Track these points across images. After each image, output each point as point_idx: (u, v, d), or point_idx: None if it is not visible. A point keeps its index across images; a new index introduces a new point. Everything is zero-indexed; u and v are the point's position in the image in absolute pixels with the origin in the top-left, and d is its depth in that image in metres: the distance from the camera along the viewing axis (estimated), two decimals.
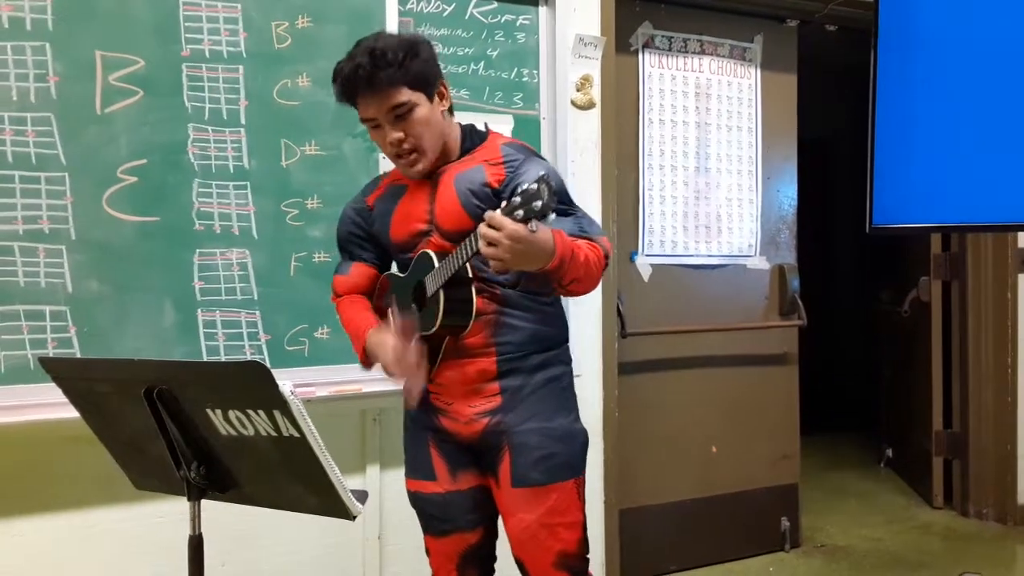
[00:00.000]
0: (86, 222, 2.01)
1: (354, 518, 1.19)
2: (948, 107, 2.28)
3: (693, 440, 3.02)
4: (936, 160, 2.30)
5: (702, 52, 2.97)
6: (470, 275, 1.51)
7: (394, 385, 2.29)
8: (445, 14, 2.43)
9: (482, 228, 1.31)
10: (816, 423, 4.12)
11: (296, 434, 1.11)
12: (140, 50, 2.06)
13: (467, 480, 1.65)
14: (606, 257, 1.52)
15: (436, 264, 1.52)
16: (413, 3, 2.38)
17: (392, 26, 2.31)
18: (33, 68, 1.96)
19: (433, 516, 1.67)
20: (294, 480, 1.19)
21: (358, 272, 1.74)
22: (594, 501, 2.72)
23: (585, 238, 1.50)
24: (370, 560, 2.38)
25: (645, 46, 2.88)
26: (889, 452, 4.30)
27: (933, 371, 3.63)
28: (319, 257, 2.25)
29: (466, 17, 2.46)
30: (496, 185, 1.55)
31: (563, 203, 1.53)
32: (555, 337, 1.64)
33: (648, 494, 2.93)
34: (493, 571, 1.74)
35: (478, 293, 1.54)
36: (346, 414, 2.34)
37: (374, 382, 2.29)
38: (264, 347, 2.19)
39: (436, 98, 1.57)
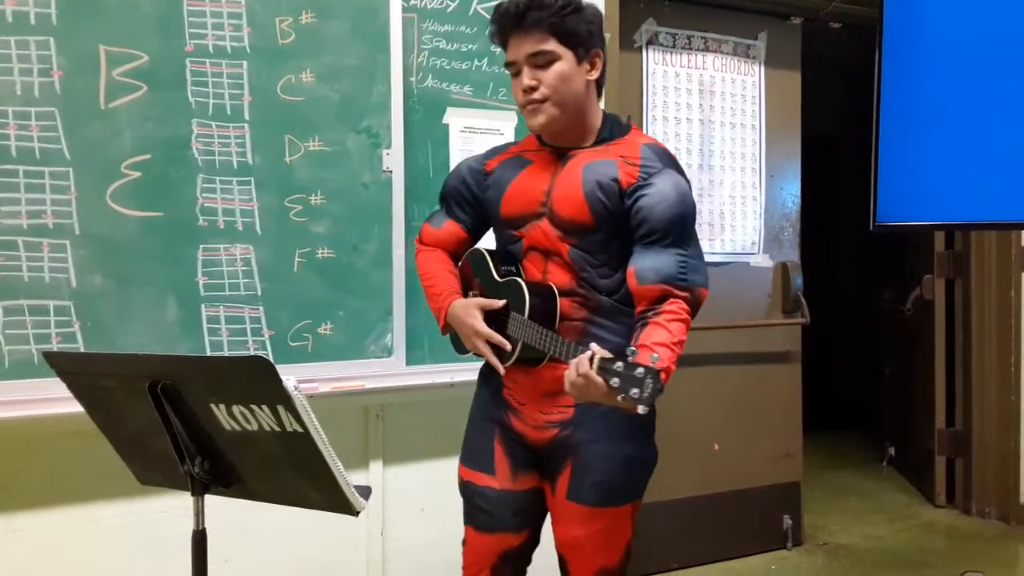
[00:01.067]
0: (90, 217, 2.01)
1: (357, 514, 1.19)
2: (952, 104, 2.27)
3: (695, 437, 3.02)
4: (940, 158, 2.30)
5: (706, 49, 2.96)
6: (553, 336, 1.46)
7: (396, 381, 2.31)
8: (449, 10, 2.42)
9: (572, 375, 1.28)
10: (818, 421, 4.12)
11: (300, 429, 1.11)
12: (144, 45, 2.05)
13: (527, 481, 1.62)
14: (696, 307, 1.46)
15: (527, 309, 1.48)
16: None
17: (396, 22, 2.31)
18: (37, 63, 1.96)
19: (482, 510, 1.62)
20: (297, 475, 1.20)
21: (449, 230, 1.70)
22: None
23: (677, 287, 1.43)
24: (373, 556, 2.38)
25: (649, 43, 2.88)
26: (892, 450, 4.30)
27: (936, 369, 3.62)
28: (323, 253, 2.25)
29: (470, 13, 2.45)
30: (626, 186, 1.47)
31: (672, 236, 1.45)
32: None
33: (650, 491, 2.89)
34: (525, 574, 1.70)
35: (569, 295, 1.52)
36: (349, 410, 2.34)
37: (377, 378, 2.30)
38: (267, 343, 2.19)
39: (585, 64, 1.51)
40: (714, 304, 3.01)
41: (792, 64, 3.15)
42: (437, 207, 1.76)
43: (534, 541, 1.67)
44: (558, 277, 1.53)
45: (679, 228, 1.46)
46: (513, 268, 1.59)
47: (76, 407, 1.36)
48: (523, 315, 1.49)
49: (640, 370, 1.20)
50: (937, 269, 3.61)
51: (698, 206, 2.94)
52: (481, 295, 1.62)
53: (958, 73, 2.26)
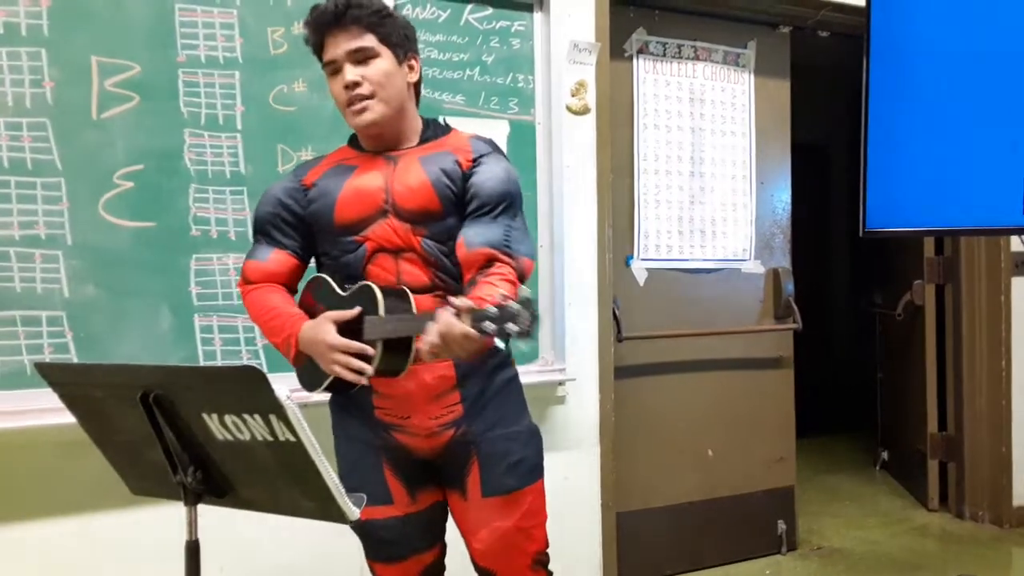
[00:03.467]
0: (82, 227, 2.01)
1: (350, 522, 1.19)
2: (940, 111, 2.29)
3: (689, 443, 3.02)
4: (929, 164, 2.32)
5: (696, 58, 2.98)
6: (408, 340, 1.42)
7: None
8: (440, 20, 2.44)
9: (443, 328, 1.25)
10: (812, 426, 4.14)
11: (292, 439, 1.11)
12: (136, 55, 2.06)
13: (426, 499, 1.60)
14: (522, 278, 1.48)
15: (381, 309, 1.42)
16: (408, 9, 2.39)
17: None
18: (29, 73, 1.96)
19: (387, 542, 1.58)
20: (291, 484, 1.19)
21: (278, 260, 1.57)
22: (591, 504, 2.72)
23: (504, 254, 1.46)
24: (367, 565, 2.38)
25: (639, 52, 2.89)
26: (884, 455, 4.31)
27: (927, 374, 3.64)
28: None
29: (461, 23, 2.47)
30: (466, 168, 1.52)
31: (502, 207, 1.50)
32: None
33: (645, 497, 2.93)
34: None
35: (427, 291, 1.48)
36: None
37: None
38: (260, 352, 2.19)
39: (405, 66, 1.54)
40: (706, 310, 3.04)
41: (781, 72, 3.17)
42: (254, 244, 1.61)
43: (444, 551, 1.66)
44: (414, 276, 1.50)
45: (506, 202, 1.51)
46: (357, 280, 1.51)
47: (68, 418, 1.36)
48: (378, 313, 1.43)
49: (513, 305, 1.21)
50: (927, 274, 3.63)
51: (690, 213, 2.98)
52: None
53: (945, 80, 2.29)
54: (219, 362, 2.14)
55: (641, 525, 2.90)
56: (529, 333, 1.21)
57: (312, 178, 1.58)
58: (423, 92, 2.38)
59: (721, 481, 3.07)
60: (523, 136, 2.54)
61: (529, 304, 1.21)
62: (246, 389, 1.10)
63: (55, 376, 1.32)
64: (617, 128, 2.81)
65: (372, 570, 1.65)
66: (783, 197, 3.20)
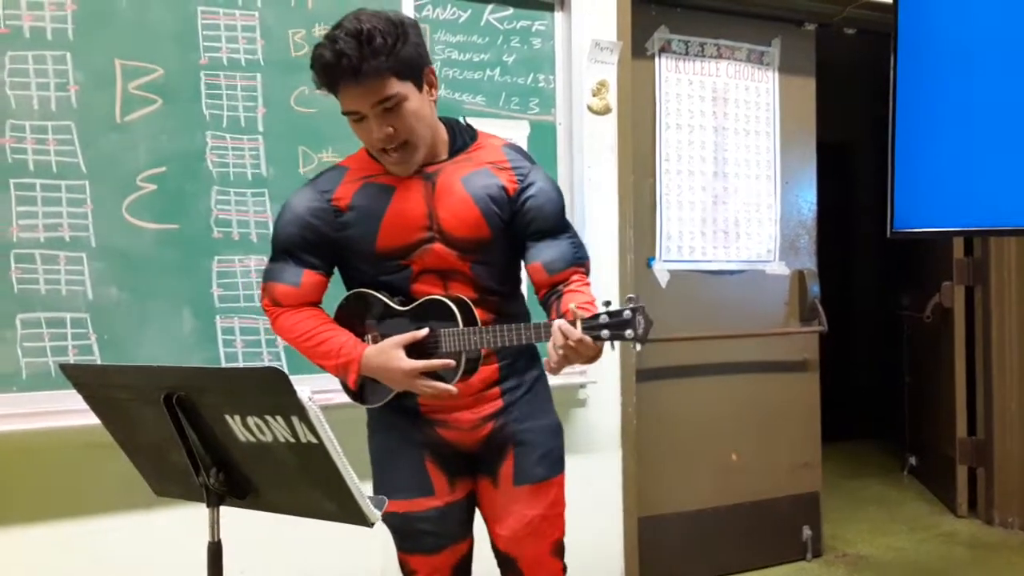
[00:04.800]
0: (106, 230, 2.02)
1: (372, 524, 1.18)
2: (969, 109, 2.25)
3: (712, 448, 2.99)
4: (958, 163, 2.27)
5: (719, 56, 2.95)
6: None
7: None
8: (461, 20, 2.43)
9: (559, 341, 1.34)
10: (838, 430, 4.08)
11: (314, 440, 1.10)
12: (159, 59, 2.07)
13: (464, 487, 1.64)
14: (588, 275, 1.59)
15: (460, 325, 1.46)
16: (429, 10, 2.38)
17: None
18: (54, 77, 1.98)
19: (428, 533, 1.60)
20: (312, 486, 1.19)
21: (310, 281, 1.54)
22: (613, 509, 2.70)
23: (578, 266, 1.56)
24: (389, 567, 2.37)
25: (661, 50, 2.87)
26: (912, 460, 4.25)
27: (957, 377, 3.58)
28: None
29: (481, 23, 2.46)
30: (512, 192, 1.52)
31: (559, 224, 1.57)
32: None
33: (667, 502, 2.90)
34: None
35: (476, 304, 1.51)
36: (362, 420, 2.33)
37: None
38: (282, 353, 2.20)
39: (425, 87, 1.46)
40: (730, 312, 3.01)
41: (807, 70, 3.13)
42: (277, 263, 1.56)
43: (472, 540, 1.69)
44: (461, 291, 1.53)
45: (563, 218, 1.59)
46: (405, 296, 1.53)
47: (92, 419, 1.36)
48: (457, 325, 1.47)
49: (627, 312, 1.30)
50: (956, 276, 3.56)
51: (713, 214, 2.95)
52: (380, 335, 1.53)
53: (974, 77, 2.24)
54: (240, 364, 2.14)
55: (663, 530, 2.87)
56: (645, 339, 1.31)
57: (343, 198, 1.51)
58: (443, 93, 2.40)
59: (745, 486, 3.03)
60: (543, 137, 2.53)
61: (642, 310, 1.30)
62: (268, 391, 1.09)
63: (79, 377, 1.33)
64: (639, 128, 2.79)
65: (405, 565, 1.66)
66: (808, 197, 3.16)
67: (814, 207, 3.18)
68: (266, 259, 2.17)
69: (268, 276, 1.57)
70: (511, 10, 2.49)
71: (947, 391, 3.64)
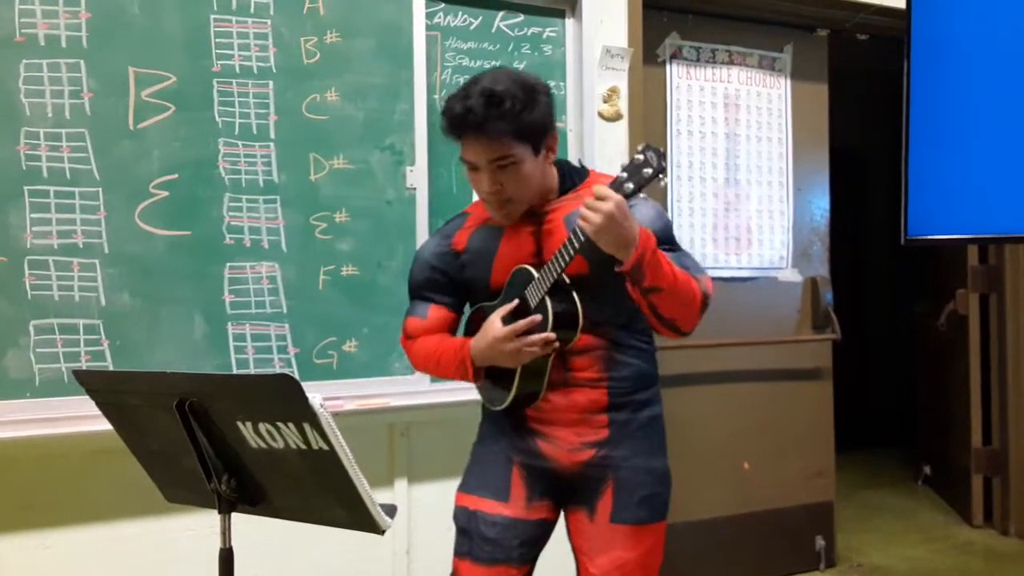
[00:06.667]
0: (119, 236, 2.03)
1: (383, 532, 1.17)
2: (984, 116, 2.23)
3: (725, 456, 2.96)
4: (972, 170, 2.25)
5: (731, 62, 2.95)
6: (568, 283, 1.47)
7: (421, 399, 2.29)
8: (472, 27, 2.43)
9: (586, 202, 1.33)
10: (851, 439, 4.04)
11: (325, 447, 1.10)
12: (172, 66, 2.08)
13: (539, 510, 1.59)
14: (705, 296, 1.49)
15: (535, 274, 1.47)
16: (440, 17, 2.39)
17: (419, 40, 2.32)
18: (68, 85, 1.99)
19: (487, 539, 1.56)
20: (323, 493, 1.18)
21: (436, 316, 1.64)
22: None
23: (694, 276, 1.48)
24: (399, 575, 2.36)
25: (673, 57, 2.86)
26: (927, 469, 4.20)
27: (971, 386, 3.54)
28: (347, 270, 2.25)
29: (492, 30, 2.46)
30: None
31: (666, 242, 1.51)
32: (654, 375, 1.64)
33: (679, 511, 2.86)
34: None
35: (590, 332, 1.50)
36: (374, 427, 2.34)
37: (402, 395, 2.29)
38: (293, 360, 2.20)
39: (543, 151, 1.51)
40: (742, 320, 2.99)
41: (819, 76, 3.11)
42: (411, 303, 1.68)
43: (532, 574, 1.62)
44: None
45: (672, 236, 1.56)
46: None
47: (105, 425, 1.37)
48: (535, 274, 1.47)
49: (637, 156, 1.32)
50: (971, 283, 3.53)
51: (724, 220, 2.94)
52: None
53: (989, 83, 2.22)
54: (252, 370, 2.14)
55: (674, 539, 2.83)
56: (663, 169, 1.31)
57: (461, 242, 1.62)
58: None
59: (758, 495, 3.00)
60: None
61: (649, 146, 1.30)
62: (280, 397, 1.09)
63: (92, 383, 1.33)
64: (650, 134, 2.78)
65: (456, 572, 1.62)
66: (821, 204, 3.14)
67: (827, 214, 3.16)
68: (277, 265, 2.19)
69: (404, 318, 1.68)
70: (522, 17, 2.49)
71: (962, 400, 3.60)
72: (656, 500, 1.58)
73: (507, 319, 1.49)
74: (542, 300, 1.46)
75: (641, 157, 1.31)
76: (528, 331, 1.45)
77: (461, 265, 1.61)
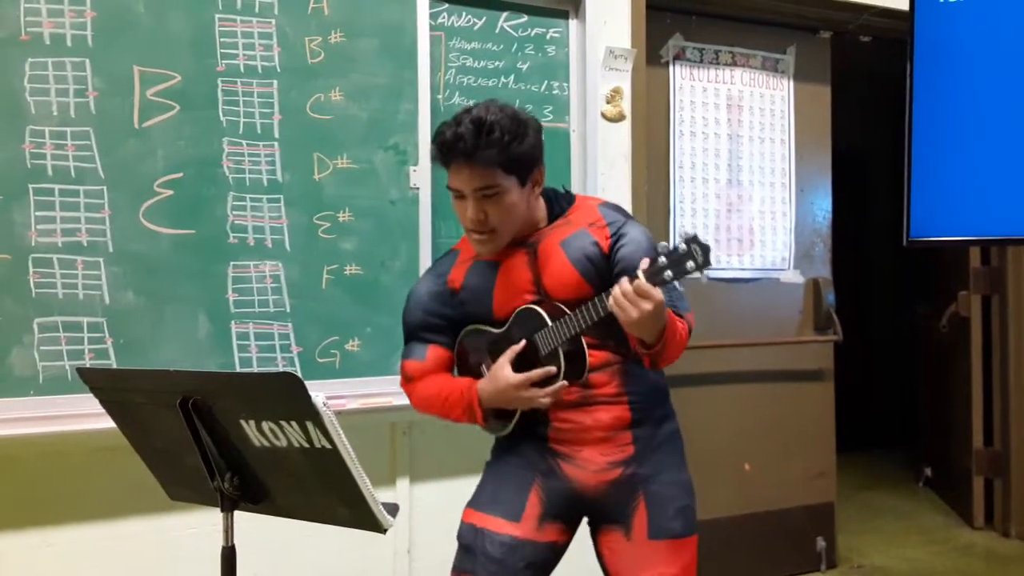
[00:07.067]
0: (123, 235, 2.04)
1: (385, 531, 1.18)
2: (986, 117, 2.23)
3: (726, 457, 2.97)
4: (974, 171, 2.25)
5: (734, 64, 2.95)
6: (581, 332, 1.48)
7: None
8: (476, 28, 2.44)
9: (625, 289, 1.32)
10: (852, 440, 4.03)
11: (328, 446, 1.10)
12: (177, 65, 2.09)
13: (550, 533, 1.56)
14: (689, 332, 1.51)
15: (549, 323, 1.47)
16: (444, 17, 2.39)
17: (423, 41, 2.32)
18: (73, 83, 2.00)
19: (492, 559, 1.51)
20: (326, 492, 1.19)
21: (434, 356, 1.64)
22: None
23: (675, 313, 1.48)
24: (400, 573, 2.37)
25: (676, 58, 2.87)
26: (928, 471, 4.20)
27: (973, 388, 3.54)
28: (350, 270, 2.26)
29: (496, 31, 2.46)
30: (607, 249, 1.53)
31: None
32: (667, 389, 1.65)
33: None
34: None
35: (596, 348, 1.51)
36: (376, 426, 2.34)
37: (404, 395, 2.28)
38: (296, 359, 2.20)
39: (529, 184, 1.52)
40: (744, 321, 2.99)
41: (822, 78, 3.12)
42: (407, 345, 1.67)
43: None
44: None
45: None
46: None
47: (108, 422, 1.37)
48: (547, 325, 1.48)
49: (682, 247, 1.29)
50: (973, 285, 3.53)
51: (727, 222, 2.94)
52: (491, 361, 1.58)
53: (991, 85, 2.22)
54: (255, 369, 2.15)
55: None
56: (707, 263, 1.29)
57: (457, 279, 1.63)
58: (457, 100, 2.41)
59: (759, 496, 3.00)
60: (557, 144, 2.53)
61: (696, 239, 1.28)
62: (284, 396, 1.10)
63: (96, 381, 1.34)
64: (653, 135, 2.79)
65: None
66: (824, 205, 3.15)
67: (829, 215, 3.16)
68: (280, 264, 2.20)
69: (401, 360, 1.67)
70: (526, 18, 2.50)
71: (963, 401, 3.60)
72: (688, 512, 1.58)
73: (514, 361, 1.50)
74: (555, 350, 1.48)
75: (685, 248, 1.29)
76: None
77: (459, 303, 1.62)
